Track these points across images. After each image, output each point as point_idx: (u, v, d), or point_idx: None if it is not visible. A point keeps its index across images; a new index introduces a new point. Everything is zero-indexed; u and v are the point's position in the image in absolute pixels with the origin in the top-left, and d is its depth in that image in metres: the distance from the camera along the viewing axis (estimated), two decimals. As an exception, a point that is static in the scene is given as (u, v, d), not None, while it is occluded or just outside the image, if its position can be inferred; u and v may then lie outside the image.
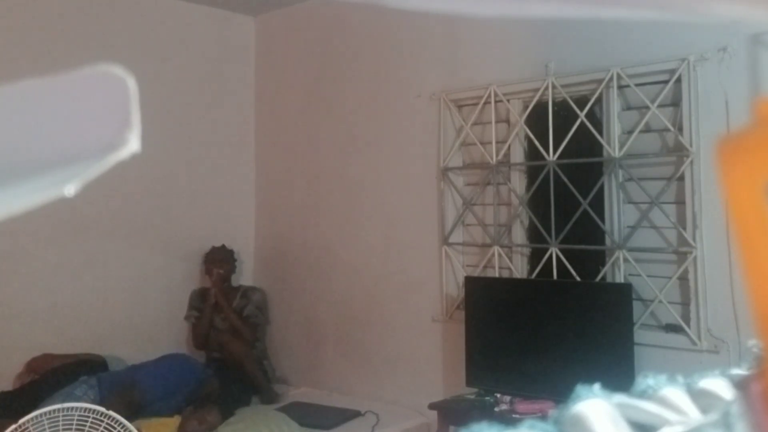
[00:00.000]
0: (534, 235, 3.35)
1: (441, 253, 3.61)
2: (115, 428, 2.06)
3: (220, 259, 4.13)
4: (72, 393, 3.19)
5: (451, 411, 3.16)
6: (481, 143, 3.48)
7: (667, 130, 2.92)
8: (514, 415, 2.91)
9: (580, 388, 0.35)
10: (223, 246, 4.23)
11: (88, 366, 3.54)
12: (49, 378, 3.38)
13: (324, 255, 4.18)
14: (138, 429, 2.21)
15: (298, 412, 3.51)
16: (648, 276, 2.93)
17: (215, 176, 4.42)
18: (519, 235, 3.41)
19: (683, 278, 2.87)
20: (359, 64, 4.01)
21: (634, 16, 0.31)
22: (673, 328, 2.88)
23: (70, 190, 0.27)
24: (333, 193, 4.14)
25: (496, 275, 3.40)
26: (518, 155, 3.41)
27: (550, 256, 3.19)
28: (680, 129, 2.86)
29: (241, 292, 4.16)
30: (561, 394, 2.66)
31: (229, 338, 3.94)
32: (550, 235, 3.20)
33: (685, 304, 2.88)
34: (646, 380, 0.38)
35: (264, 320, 4.25)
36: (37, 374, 3.50)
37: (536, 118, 3.29)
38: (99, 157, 0.27)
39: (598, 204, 3.09)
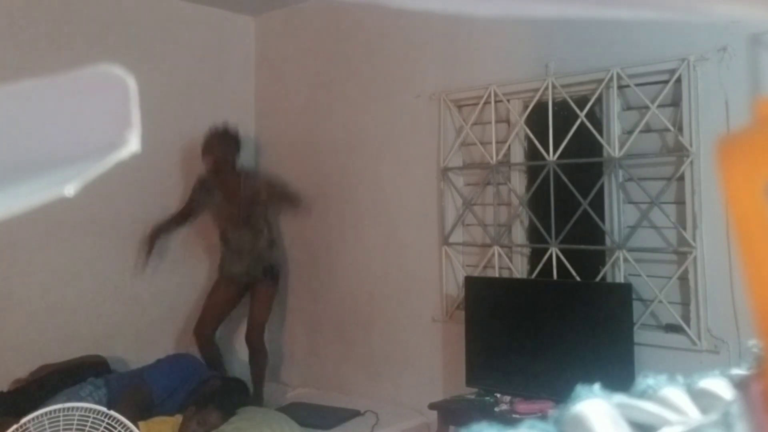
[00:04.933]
0: (534, 235, 3.35)
1: (441, 253, 3.61)
2: (115, 428, 2.06)
3: (216, 144, 3.96)
4: (77, 393, 3.19)
5: (451, 411, 3.16)
6: (481, 143, 3.48)
7: (667, 130, 2.92)
8: (514, 415, 2.91)
9: (580, 388, 0.35)
10: (226, 129, 4.01)
11: (92, 367, 3.53)
12: (53, 378, 3.38)
13: (324, 255, 4.17)
14: (137, 427, 2.21)
15: (298, 412, 3.51)
16: (648, 276, 2.93)
17: (215, 176, 4.42)
18: (519, 235, 3.41)
19: (683, 278, 2.87)
20: (359, 64, 4.01)
21: (634, 16, 0.31)
22: (673, 328, 2.88)
23: (70, 190, 0.27)
24: (333, 193, 4.14)
25: (496, 275, 3.40)
26: (518, 155, 3.41)
27: (550, 256, 3.19)
28: (680, 129, 2.86)
29: (243, 177, 4.06)
30: (561, 394, 2.66)
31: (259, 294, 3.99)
32: (550, 235, 3.20)
33: (685, 304, 2.88)
34: (646, 380, 0.38)
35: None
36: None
37: (536, 118, 3.29)
38: (99, 157, 0.27)
39: (598, 204, 3.08)
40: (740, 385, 0.36)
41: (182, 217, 4.09)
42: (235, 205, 3.97)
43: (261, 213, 4.05)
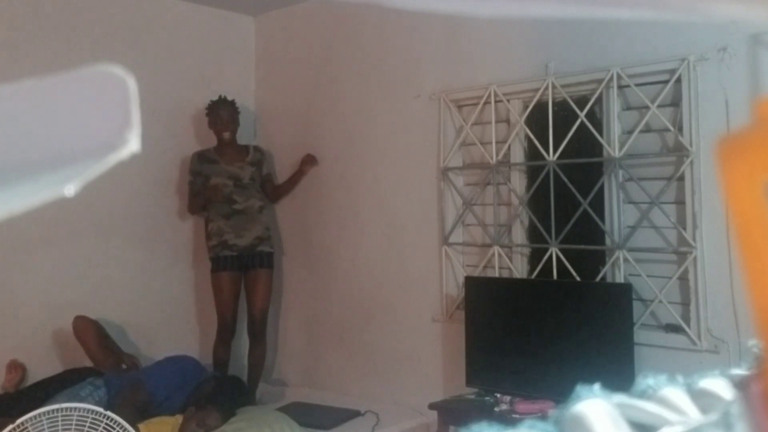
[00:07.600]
0: (534, 235, 3.35)
1: (441, 253, 3.61)
2: (114, 428, 2.06)
3: (227, 120, 4.00)
4: (77, 393, 3.18)
5: (451, 411, 3.16)
6: (481, 143, 3.48)
7: (667, 130, 2.92)
8: (514, 415, 2.91)
9: (580, 388, 0.35)
10: (225, 99, 4.06)
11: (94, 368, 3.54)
12: (55, 379, 3.39)
13: (324, 255, 4.17)
14: (136, 428, 2.21)
15: (298, 412, 3.52)
16: (648, 276, 2.93)
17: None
18: (519, 235, 3.41)
19: (683, 278, 2.87)
20: (359, 64, 4.01)
21: (634, 16, 0.31)
22: (673, 328, 2.88)
23: (70, 190, 0.27)
24: (333, 193, 4.14)
25: (496, 275, 3.40)
26: (518, 155, 3.41)
27: (550, 256, 3.19)
28: (680, 129, 2.86)
29: (247, 147, 4.13)
30: (561, 394, 2.66)
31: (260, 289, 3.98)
32: (550, 235, 3.20)
33: (685, 304, 2.89)
34: (646, 380, 0.38)
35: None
36: (80, 337, 3.56)
37: (536, 118, 3.29)
38: (99, 157, 0.27)
39: (598, 204, 3.09)
40: (740, 385, 0.36)
41: (199, 196, 4.01)
42: (243, 169, 3.99)
43: (263, 184, 4.13)
